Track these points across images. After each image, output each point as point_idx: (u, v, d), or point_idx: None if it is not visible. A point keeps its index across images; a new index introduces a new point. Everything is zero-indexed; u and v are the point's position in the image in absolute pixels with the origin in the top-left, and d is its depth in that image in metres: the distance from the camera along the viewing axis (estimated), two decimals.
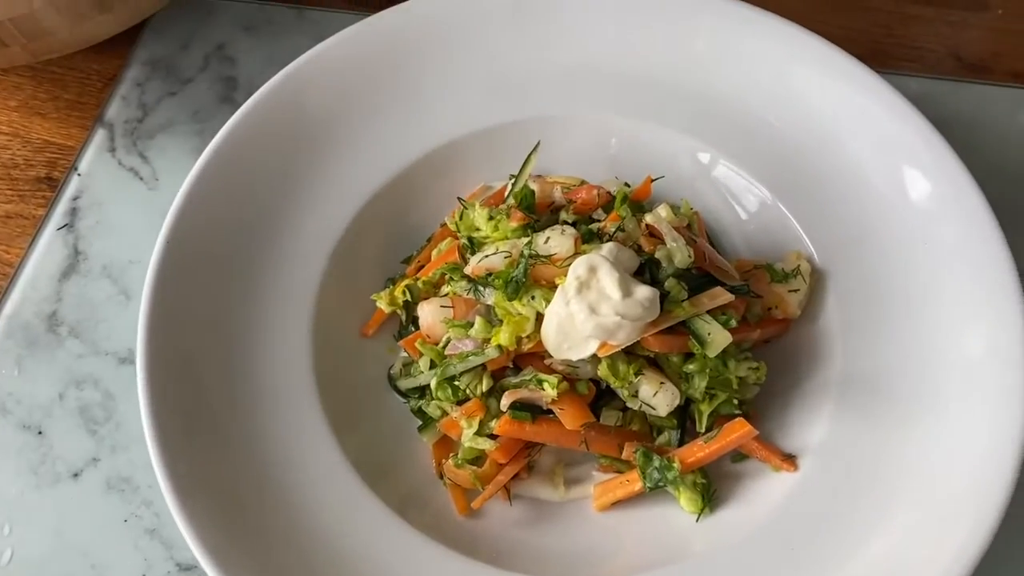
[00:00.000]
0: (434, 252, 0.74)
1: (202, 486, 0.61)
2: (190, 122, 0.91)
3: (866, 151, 0.72)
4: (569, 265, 0.64)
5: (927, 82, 0.92)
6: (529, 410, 0.65)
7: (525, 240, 0.67)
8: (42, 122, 0.92)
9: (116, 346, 0.78)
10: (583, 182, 0.75)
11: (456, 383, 0.66)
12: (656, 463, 0.64)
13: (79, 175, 0.88)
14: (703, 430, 0.66)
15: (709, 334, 0.62)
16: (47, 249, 0.84)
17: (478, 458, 0.67)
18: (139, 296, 0.79)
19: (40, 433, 0.75)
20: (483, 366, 0.66)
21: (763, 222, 0.75)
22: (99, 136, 0.90)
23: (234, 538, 0.60)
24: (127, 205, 0.86)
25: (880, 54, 0.95)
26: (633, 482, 0.65)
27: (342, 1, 0.98)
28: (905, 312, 0.67)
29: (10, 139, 0.91)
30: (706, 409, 0.65)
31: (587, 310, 0.62)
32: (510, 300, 0.65)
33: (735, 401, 0.66)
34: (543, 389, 0.64)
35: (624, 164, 0.79)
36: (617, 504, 0.66)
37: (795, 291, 0.70)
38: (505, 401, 0.65)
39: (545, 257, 0.65)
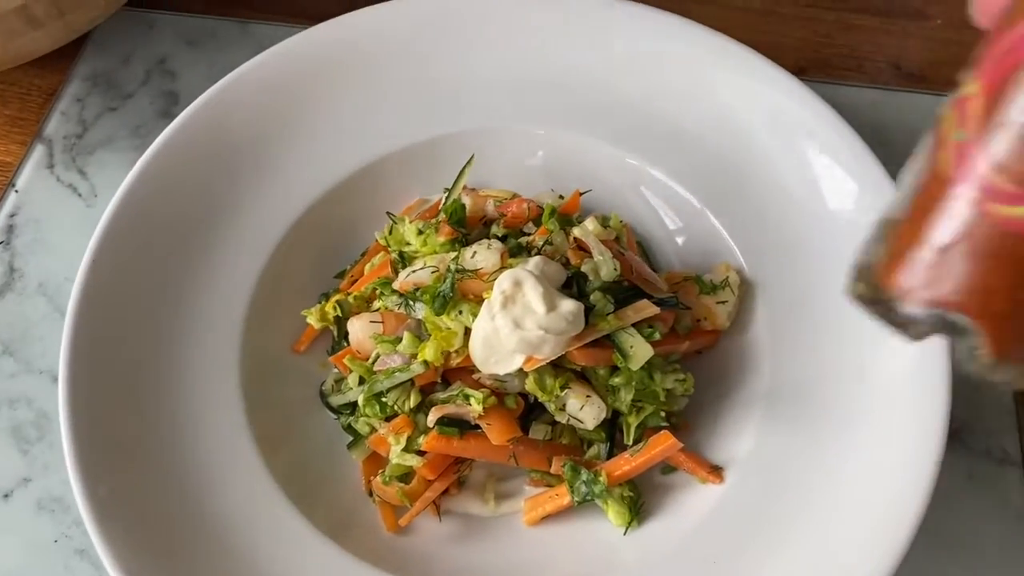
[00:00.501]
0: (367, 267, 0.74)
1: (123, 509, 0.60)
2: (130, 137, 0.90)
3: (793, 161, 0.73)
4: (495, 279, 0.64)
5: (868, 92, 0.93)
6: (457, 425, 0.65)
7: (452, 255, 0.67)
8: None
9: (51, 364, 0.78)
10: (515, 195, 0.75)
11: (384, 399, 0.66)
12: (584, 477, 0.64)
13: (16, 191, 0.87)
14: (631, 443, 0.66)
15: (632, 347, 0.62)
16: None
17: (407, 474, 0.67)
18: None
19: None
20: (411, 381, 0.66)
21: (693, 233, 0.76)
22: (38, 152, 0.90)
23: (155, 562, 0.59)
24: (64, 222, 0.85)
25: (821, 63, 0.96)
26: (562, 496, 0.65)
27: (286, 15, 0.98)
28: (831, 323, 0.67)
29: None
30: (633, 421, 0.65)
31: (512, 324, 0.62)
32: (438, 315, 0.65)
33: (662, 413, 0.66)
34: (470, 404, 0.64)
35: (558, 176, 0.79)
36: (547, 518, 0.66)
37: (723, 303, 0.70)
38: (432, 417, 0.65)
39: (472, 271, 0.65)
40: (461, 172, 0.75)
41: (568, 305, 0.62)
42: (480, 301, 0.65)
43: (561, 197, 0.76)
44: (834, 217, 0.70)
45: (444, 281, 0.65)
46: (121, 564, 0.58)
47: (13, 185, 0.88)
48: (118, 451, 0.63)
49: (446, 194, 0.75)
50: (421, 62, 0.80)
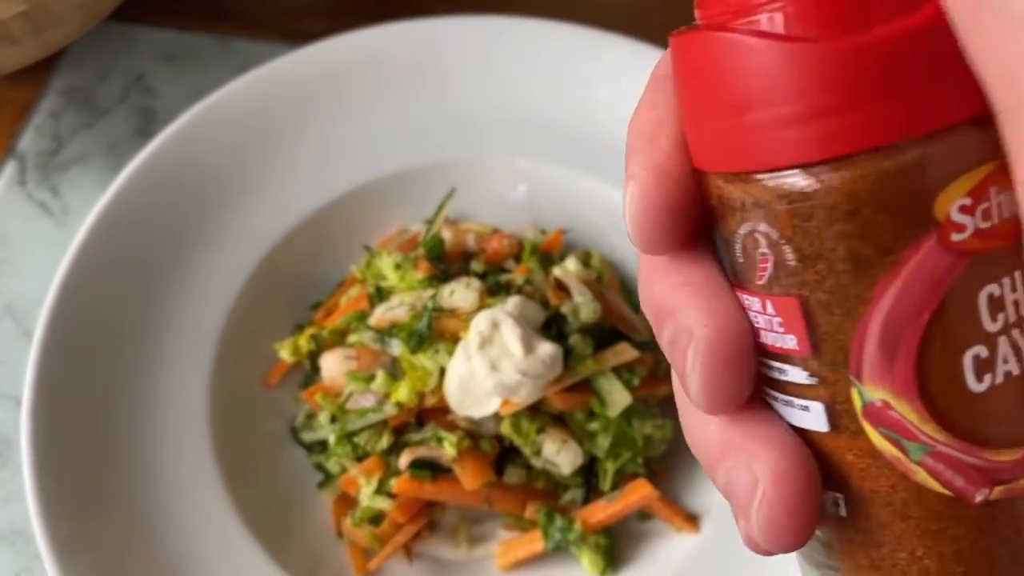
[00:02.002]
0: (343, 299, 0.73)
1: (85, 548, 0.59)
2: (105, 156, 0.88)
3: None
4: (473, 319, 0.63)
5: None
6: (430, 468, 0.64)
7: (430, 292, 0.66)
8: None
9: (15, 389, 0.76)
10: (496, 230, 0.73)
11: (355, 439, 0.65)
12: (558, 523, 0.63)
13: None
14: (608, 489, 0.65)
15: (610, 394, 0.61)
16: None
17: (378, 516, 0.65)
18: None
19: None
20: (384, 422, 0.65)
21: None
22: (9, 168, 0.88)
23: None
24: (35, 242, 0.83)
25: None
26: (536, 541, 0.64)
27: (267, 31, 0.97)
28: None
29: None
30: (611, 468, 0.64)
31: (488, 366, 0.61)
32: (413, 353, 0.64)
33: (640, 460, 0.65)
34: (443, 447, 0.63)
35: (540, 210, 0.78)
36: (521, 563, 0.65)
37: None
38: (404, 460, 0.63)
39: (449, 310, 0.64)
40: (441, 205, 0.74)
41: (547, 348, 0.61)
42: (457, 341, 0.64)
43: (543, 232, 0.75)
44: None
45: (421, 319, 0.64)
46: None
47: None
48: (82, 486, 0.61)
49: (426, 227, 0.74)
50: (404, 90, 0.79)
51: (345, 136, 0.77)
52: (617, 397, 0.61)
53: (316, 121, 0.77)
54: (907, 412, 0.26)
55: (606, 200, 0.76)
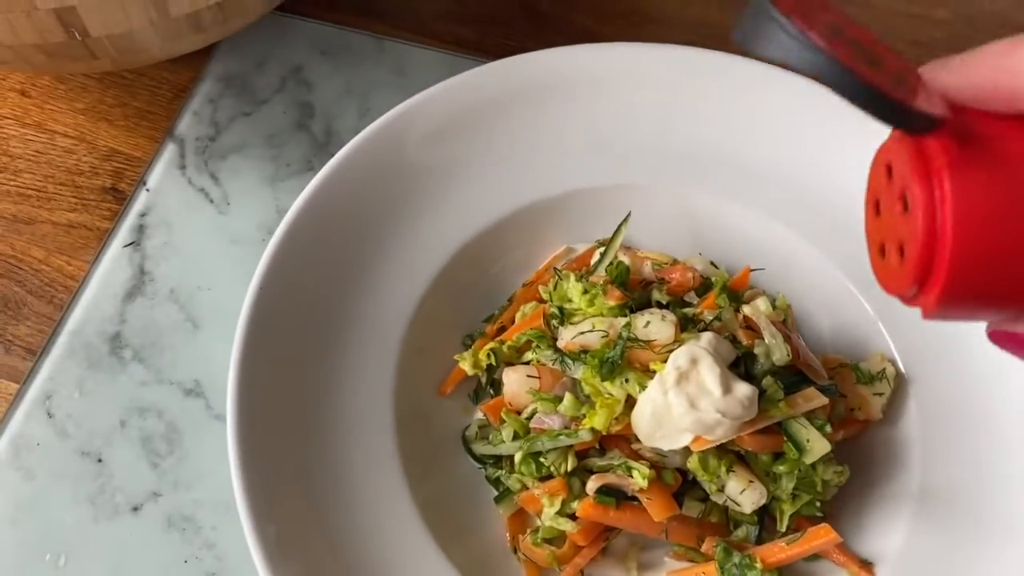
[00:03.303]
0: (517, 315, 0.74)
1: (290, 547, 0.60)
2: (264, 146, 0.89)
3: None
4: (668, 351, 0.64)
5: None
6: (613, 495, 0.65)
7: (623, 320, 0.66)
8: (109, 128, 0.90)
9: (182, 376, 0.77)
10: (675, 261, 0.74)
11: (541, 459, 0.66)
12: (736, 559, 0.64)
13: (147, 190, 0.86)
14: (783, 529, 0.66)
15: (808, 440, 0.63)
16: (112, 266, 0.82)
17: (556, 537, 0.66)
18: (207, 326, 0.79)
19: (100, 461, 0.73)
20: (569, 445, 0.66)
21: (844, 317, 0.76)
22: (169, 150, 0.89)
23: None
24: (196, 227, 0.84)
25: None
26: (710, 575, 0.65)
27: (419, 34, 0.97)
28: (991, 429, 0.68)
29: (76, 143, 0.89)
30: (789, 510, 0.66)
31: (687, 403, 0.62)
32: (604, 380, 0.65)
33: (817, 503, 0.66)
34: (631, 476, 0.64)
35: (702, 242, 0.79)
36: None
37: (880, 394, 0.70)
38: (592, 485, 0.64)
39: (644, 342, 0.65)
40: (618, 229, 0.75)
41: (744, 389, 0.62)
42: (647, 371, 0.65)
43: (713, 264, 0.76)
44: None
45: (614, 348, 0.65)
46: None
47: (144, 183, 0.87)
48: (282, 488, 0.62)
49: (601, 249, 0.75)
50: (578, 112, 0.80)
51: (522, 152, 0.78)
52: (816, 444, 0.62)
53: (492, 139, 0.78)
54: None
55: (780, 243, 0.77)
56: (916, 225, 0.34)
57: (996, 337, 0.39)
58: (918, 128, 0.33)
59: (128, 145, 0.89)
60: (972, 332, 0.71)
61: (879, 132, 0.37)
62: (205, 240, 0.84)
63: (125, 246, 0.83)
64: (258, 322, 0.66)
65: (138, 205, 0.85)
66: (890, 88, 0.32)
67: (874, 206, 0.39)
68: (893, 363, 0.72)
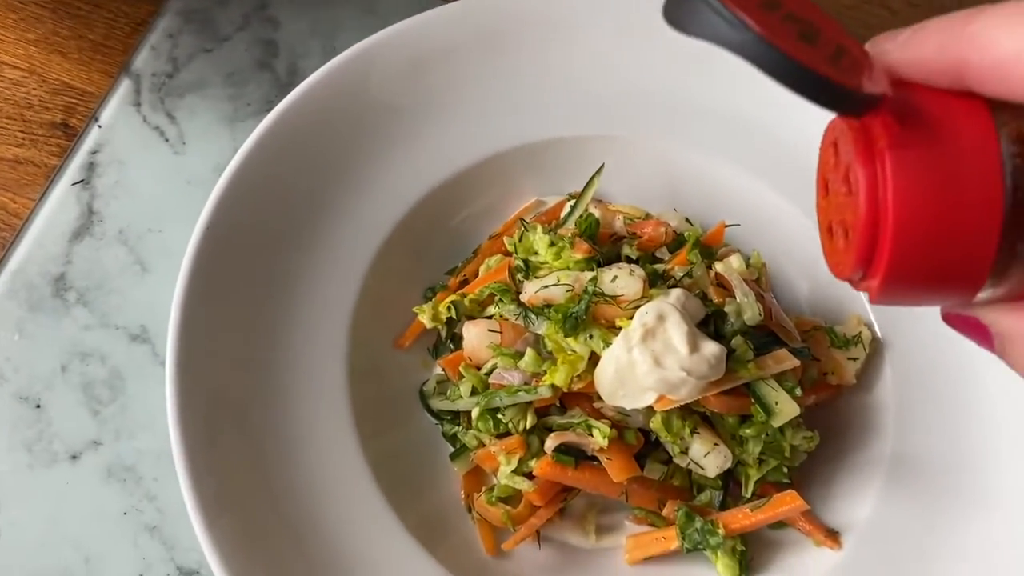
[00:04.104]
0: (482, 267, 0.70)
1: (228, 502, 0.57)
2: (223, 85, 0.85)
3: None
4: (634, 307, 0.61)
5: None
6: (572, 454, 0.62)
7: (589, 275, 0.63)
8: (62, 62, 0.86)
9: (127, 320, 0.73)
10: (647, 215, 0.71)
11: (499, 416, 0.63)
12: (698, 524, 0.62)
13: (99, 127, 0.82)
14: (748, 495, 0.63)
15: (776, 403, 0.60)
16: (59, 204, 0.78)
17: (512, 496, 0.64)
18: (156, 269, 0.75)
19: (38, 407, 0.70)
20: (529, 402, 0.63)
21: (819, 278, 0.73)
22: (124, 86, 0.84)
23: (248, 544, 0.56)
24: (149, 167, 0.80)
25: None
26: (670, 540, 0.63)
27: None
28: (967, 398, 0.65)
29: (26, 76, 0.85)
30: (755, 475, 0.63)
31: (651, 361, 0.59)
32: (566, 336, 0.62)
33: (784, 469, 0.64)
34: (592, 436, 0.61)
35: (679, 197, 0.76)
36: (650, 560, 0.64)
37: (854, 359, 0.67)
38: (550, 443, 0.62)
39: (610, 297, 0.62)
40: (590, 181, 0.72)
41: (711, 348, 0.59)
42: (612, 328, 0.62)
43: (688, 221, 0.73)
44: None
45: (579, 302, 0.62)
46: (224, 557, 0.55)
47: (96, 119, 0.82)
48: (223, 440, 0.59)
49: (572, 203, 0.72)
50: (557, 57, 0.76)
51: (494, 97, 0.74)
52: (785, 407, 0.60)
53: (464, 81, 0.74)
54: None
55: (759, 200, 0.73)
56: (859, 207, 0.32)
57: (951, 320, 0.37)
58: (855, 110, 0.30)
59: (81, 79, 0.85)
60: None
61: None
62: (158, 181, 0.80)
63: (74, 184, 0.79)
64: (204, 264, 0.62)
65: (89, 142, 0.81)
66: (824, 67, 0.29)
67: (824, 186, 0.37)
68: (869, 327, 0.69)
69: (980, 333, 0.36)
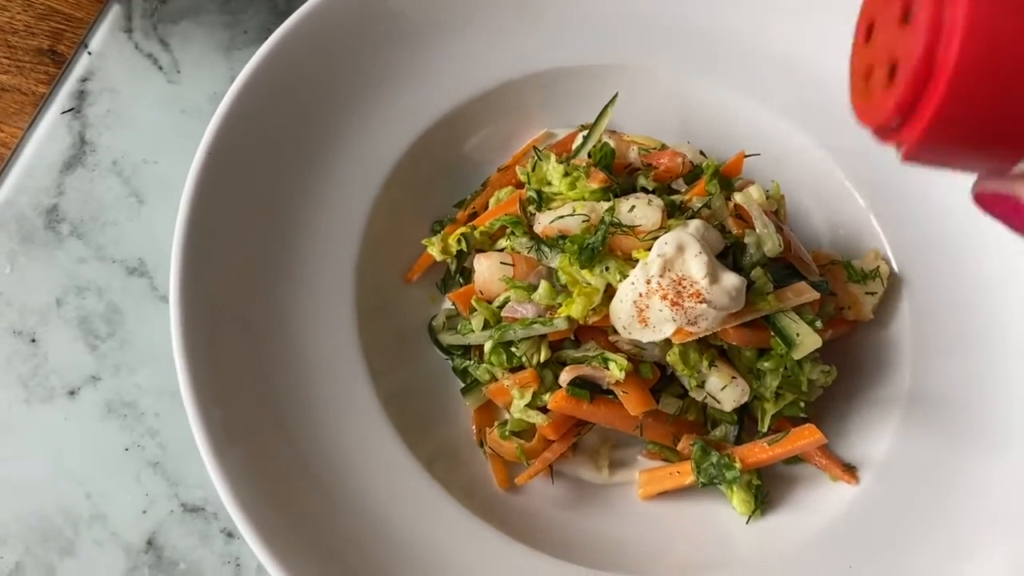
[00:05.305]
0: (492, 200, 0.68)
1: (236, 432, 0.55)
2: (218, 12, 0.81)
3: None
4: (652, 239, 0.59)
5: None
6: (587, 387, 0.61)
7: (606, 205, 0.61)
8: None
9: (124, 253, 0.71)
10: (663, 145, 0.69)
11: (512, 349, 0.62)
12: (713, 459, 0.61)
13: (89, 54, 0.78)
14: (764, 430, 0.63)
15: (798, 335, 0.59)
16: (49, 134, 0.75)
17: (525, 431, 0.62)
18: (153, 201, 0.73)
19: (33, 341, 0.68)
20: (543, 335, 0.61)
21: (838, 213, 0.71)
22: (114, 12, 0.80)
23: (257, 476, 0.55)
24: (143, 96, 0.77)
25: None
26: (684, 475, 0.62)
27: None
28: (983, 333, 0.64)
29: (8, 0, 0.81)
30: (771, 409, 0.62)
31: (671, 292, 0.57)
32: (582, 268, 0.60)
33: (801, 404, 0.63)
34: (607, 369, 0.60)
35: (697, 130, 0.74)
36: (663, 494, 0.63)
37: (872, 294, 0.66)
38: (565, 377, 0.60)
39: (628, 227, 0.60)
40: (604, 110, 0.69)
41: (731, 279, 0.58)
42: (629, 259, 0.60)
43: (702, 153, 0.71)
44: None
45: (595, 233, 0.60)
46: (234, 489, 0.53)
47: (86, 46, 0.79)
48: (230, 373, 0.57)
49: (584, 133, 0.69)
50: None
51: (507, 20, 0.71)
52: (807, 339, 0.58)
53: (473, 10, 0.71)
54: None
55: (776, 133, 0.71)
56: (918, 33, 0.28)
57: (983, 200, 0.34)
58: None
59: (68, 4, 0.81)
60: (970, 229, 0.68)
61: None
62: (152, 110, 0.77)
63: (63, 112, 0.76)
64: (205, 194, 0.60)
65: (79, 70, 0.78)
66: None
67: (866, 30, 0.34)
68: (887, 262, 0.68)
69: (1015, 213, 0.33)
